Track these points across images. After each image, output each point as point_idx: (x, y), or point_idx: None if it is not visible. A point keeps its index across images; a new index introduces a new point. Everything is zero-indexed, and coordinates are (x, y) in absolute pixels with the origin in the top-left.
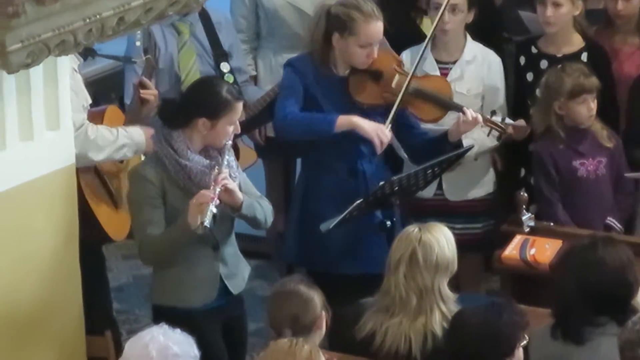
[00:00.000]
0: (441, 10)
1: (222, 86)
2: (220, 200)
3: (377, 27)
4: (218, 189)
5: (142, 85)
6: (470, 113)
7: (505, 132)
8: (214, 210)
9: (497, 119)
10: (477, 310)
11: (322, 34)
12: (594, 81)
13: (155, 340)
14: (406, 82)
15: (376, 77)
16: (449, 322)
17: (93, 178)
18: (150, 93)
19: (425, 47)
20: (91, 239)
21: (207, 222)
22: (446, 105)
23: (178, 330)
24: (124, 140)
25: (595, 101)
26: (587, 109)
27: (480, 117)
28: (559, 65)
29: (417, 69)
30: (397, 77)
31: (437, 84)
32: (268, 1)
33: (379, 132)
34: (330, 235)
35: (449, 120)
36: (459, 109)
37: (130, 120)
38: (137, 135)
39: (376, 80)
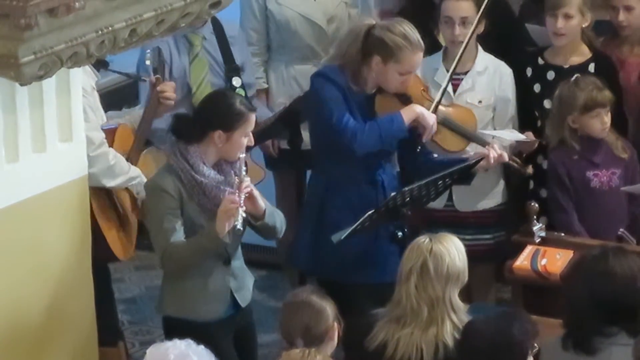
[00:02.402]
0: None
1: (236, 98)
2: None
3: (420, 57)
4: (243, 196)
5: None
6: (495, 152)
7: (525, 172)
8: (244, 214)
9: (511, 149)
10: (488, 320)
11: (357, 51)
12: (607, 94)
13: (177, 347)
14: (435, 102)
15: (404, 100)
16: (460, 332)
17: (103, 197)
18: (170, 97)
19: (449, 82)
20: (98, 257)
21: (239, 225)
22: (471, 137)
23: (202, 347)
24: (135, 173)
25: (609, 114)
26: (600, 122)
27: (505, 157)
28: (572, 79)
29: (428, 80)
30: (425, 103)
31: (464, 115)
32: (279, 13)
33: (435, 122)
34: (345, 245)
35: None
36: (483, 143)
37: (147, 118)
38: (139, 172)
39: (404, 104)
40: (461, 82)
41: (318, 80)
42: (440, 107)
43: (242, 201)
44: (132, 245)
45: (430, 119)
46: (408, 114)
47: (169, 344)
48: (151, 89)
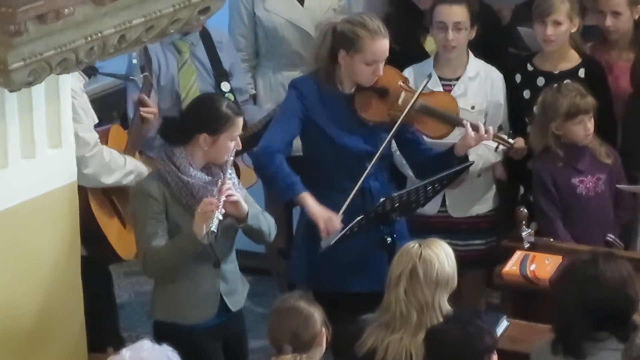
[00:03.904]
0: None
1: (222, 102)
2: (225, 211)
3: (383, 44)
4: (223, 199)
5: (142, 103)
6: (479, 127)
7: (512, 147)
8: (220, 217)
9: (504, 134)
10: (447, 320)
11: (327, 51)
12: (589, 101)
13: (122, 357)
14: (413, 100)
15: (382, 94)
16: None
17: (102, 197)
18: (150, 111)
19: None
20: (102, 258)
21: (213, 227)
22: (453, 121)
23: (157, 347)
24: (131, 166)
25: (592, 120)
26: (583, 128)
27: (491, 130)
28: (555, 85)
29: (420, 86)
30: (403, 94)
31: (444, 101)
32: (267, 19)
33: (328, 221)
34: (337, 253)
35: (453, 137)
36: (465, 124)
37: (133, 139)
38: (142, 165)
39: (382, 98)
40: (453, 88)
41: (288, 91)
42: (420, 96)
43: (221, 204)
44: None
45: (318, 217)
46: (302, 199)
47: (117, 356)
48: (135, 109)
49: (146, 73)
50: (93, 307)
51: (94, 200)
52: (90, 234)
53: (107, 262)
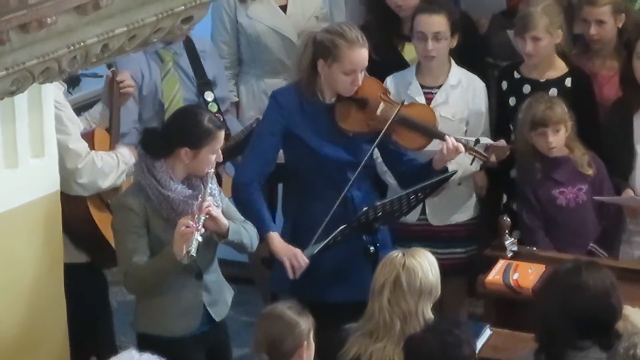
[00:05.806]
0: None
1: (204, 115)
2: (205, 228)
3: (361, 54)
4: (203, 218)
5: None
6: (451, 142)
7: (488, 160)
8: (199, 239)
9: (480, 147)
10: (426, 329)
11: (308, 61)
12: (555, 114)
13: None
14: (395, 112)
15: (362, 104)
16: None
17: (99, 202)
18: (126, 84)
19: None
20: (103, 262)
21: (193, 251)
22: (430, 133)
23: (146, 356)
24: (123, 165)
25: (559, 134)
26: (545, 141)
27: (461, 147)
28: (536, 94)
29: (401, 94)
30: (382, 105)
31: (422, 112)
32: (250, 27)
33: (292, 258)
34: (321, 263)
35: (434, 147)
36: (442, 137)
37: (115, 112)
38: (128, 156)
39: (362, 108)
40: (434, 96)
41: (269, 102)
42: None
43: (200, 225)
44: None
45: (282, 255)
46: (270, 242)
47: None
48: (110, 85)
49: (113, 68)
50: (89, 314)
51: (92, 205)
52: (92, 239)
53: (108, 265)
